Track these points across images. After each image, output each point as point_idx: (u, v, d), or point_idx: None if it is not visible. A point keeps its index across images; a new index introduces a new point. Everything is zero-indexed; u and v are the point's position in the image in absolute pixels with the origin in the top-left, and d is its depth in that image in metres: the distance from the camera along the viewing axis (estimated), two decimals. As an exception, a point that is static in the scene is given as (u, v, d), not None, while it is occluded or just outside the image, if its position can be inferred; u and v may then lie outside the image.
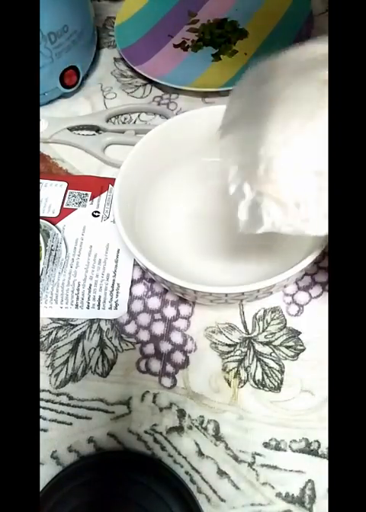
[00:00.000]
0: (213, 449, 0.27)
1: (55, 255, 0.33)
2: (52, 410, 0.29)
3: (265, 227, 0.19)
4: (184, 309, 0.32)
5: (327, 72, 0.17)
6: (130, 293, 0.32)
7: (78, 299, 0.32)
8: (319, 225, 0.18)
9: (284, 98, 0.18)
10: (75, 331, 0.31)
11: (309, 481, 0.26)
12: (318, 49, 0.19)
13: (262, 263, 0.30)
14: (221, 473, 0.27)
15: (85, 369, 0.30)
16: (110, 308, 0.32)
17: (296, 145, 0.18)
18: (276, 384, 0.29)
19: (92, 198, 0.36)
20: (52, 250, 0.33)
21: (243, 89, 0.21)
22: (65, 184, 0.37)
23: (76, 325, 0.32)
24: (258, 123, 0.19)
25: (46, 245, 0.33)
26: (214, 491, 0.26)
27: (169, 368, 0.30)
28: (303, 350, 0.30)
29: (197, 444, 0.27)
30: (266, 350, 0.30)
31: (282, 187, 0.18)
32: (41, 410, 0.29)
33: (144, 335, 0.31)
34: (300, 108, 0.18)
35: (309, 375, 0.29)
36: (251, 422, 0.28)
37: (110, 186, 0.37)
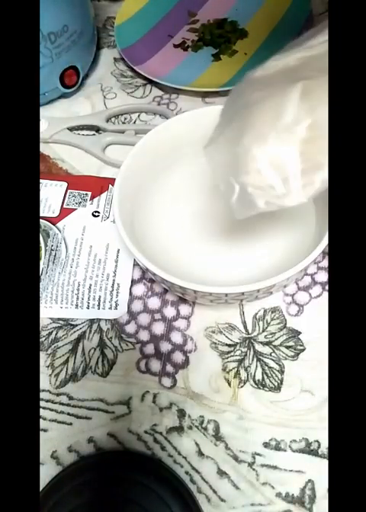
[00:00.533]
0: (213, 449, 0.27)
1: (55, 255, 0.33)
2: (52, 410, 0.29)
3: (257, 209, 0.22)
4: (184, 309, 0.32)
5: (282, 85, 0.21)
6: (130, 293, 0.32)
7: (78, 299, 0.32)
8: (298, 196, 0.21)
9: (252, 105, 0.22)
10: (75, 331, 0.31)
11: (309, 481, 0.26)
12: (276, 64, 0.23)
13: (262, 262, 0.30)
14: (221, 473, 0.27)
15: (85, 369, 0.30)
16: (110, 308, 0.32)
17: (266, 136, 0.21)
18: (276, 384, 0.29)
19: (92, 198, 0.36)
20: (52, 250, 0.33)
21: (225, 109, 0.25)
22: (65, 184, 0.37)
23: (76, 325, 0.32)
24: (234, 128, 0.23)
25: (46, 245, 0.33)
26: (214, 491, 0.26)
27: (169, 368, 0.30)
28: (303, 350, 0.30)
29: (197, 444, 0.27)
30: (266, 350, 0.30)
31: (260, 173, 0.21)
32: (41, 410, 0.29)
33: (144, 335, 0.31)
34: (265, 108, 0.21)
35: (309, 375, 0.29)
36: (251, 422, 0.28)
37: (110, 186, 0.37)
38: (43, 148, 0.41)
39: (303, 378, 0.29)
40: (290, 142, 0.20)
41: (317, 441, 0.27)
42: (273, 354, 0.30)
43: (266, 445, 0.27)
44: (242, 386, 0.29)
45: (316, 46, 0.21)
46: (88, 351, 0.31)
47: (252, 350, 0.30)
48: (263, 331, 0.31)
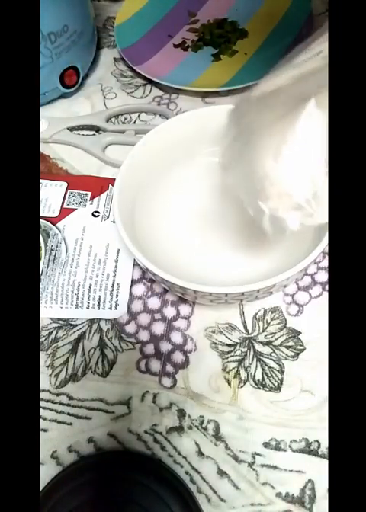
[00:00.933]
0: (213, 449, 0.27)
1: (55, 255, 0.33)
2: (52, 410, 0.29)
3: (291, 228, 0.23)
4: (184, 309, 0.32)
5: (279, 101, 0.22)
6: (130, 293, 0.32)
7: (78, 299, 0.32)
8: (325, 212, 0.21)
9: (259, 127, 0.23)
10: (75, 331, 0.31)
11: (309, 481, 0.26)
12: (270, 84, 0.24)
13: (262, 262, 0.30)
14: (221, 473, 0.27)
15: (85, 369, 0.30)
16: (110, 308, 0.32)
17: (282, 158, 0.21)
18: (276, 384, 0.29)
19: (92, 198, 0.36)
20: (52, 250, 0.33)
21: (230, 126, 0.26)
22: (65, 184, 0.37)
23: (76, 325, 0.32)
24: (249, 153, 0.23)
25: (46, 245, 0.33)
26: (214, 491, 0.26)
27: (169, 368, 0.30)
28: (303, 350, 0.30)
29: (197, 444, 0.27)
30: (266, 350, 0.30)
31: (281, 196, 0.22)
32: (41, 410, 0.29)
33: (144, 335, 0.31)
34: (274, 130, 0.22)
35: (309, 375, 0.29)
36: (251, 422, 0.28)
37: (110, 186, 0.37)
38: (43, 148, 0.41)
39: (303, 378, 0.29)
40: (311, 159, 0.21)
41: (317, 441, 0.27)
42: (273, 354, 0.30)
43: (266, 445, 0.27)
44: (242, 386, 0.29)
45: (304, 63, 0.22)
46: (88, 351, 0.31)
47: (252, 350, 0.30)
48: (263, 331, 0.31)
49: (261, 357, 0.30)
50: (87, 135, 0.42)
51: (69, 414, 0.29)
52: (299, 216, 0.22)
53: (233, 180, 0.25)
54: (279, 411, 0.28)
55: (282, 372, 0.29)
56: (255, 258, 0.30)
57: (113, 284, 0.32)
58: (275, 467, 0.27)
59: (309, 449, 0.27)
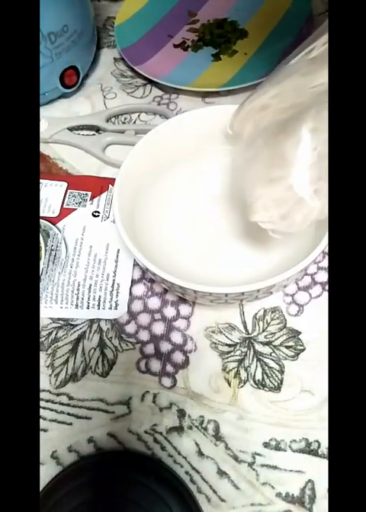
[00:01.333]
0: (213, 449, 0.27)
1: (55, 255, 0.33)
2: (52, 410, 0.29)
3: (298, 230, 0.25)
4: (184, 309, 0.32)
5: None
6: (130, 293, 0.32)
7: (78, 299, 0.32)
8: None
9: (264, 145, 0.25)
10: (75, 331, 0.31)
11: (309, 481, 0.26)
12: (254, 103, 0.26)
13: (262, 263, 0.30)
14: (221, 473, 0.27)
15: (85, 369, 0.30)
16: (110, 308, 0.32)
17: (272, 179, 0.24)
18: (276, 384, 0.29)
19: (92, 198, 0.36)
20: (52, 250, 0.33)
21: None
22: (65, 184, 0.37)
23: (76, 325, 0.32)
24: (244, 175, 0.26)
25: (46, 245, 0.33)
26: (214, 491, 0.26)
27: (169, 368, 0.30)
28: (303, 350, 0.30)
29: (197, 444, 0.27)
30: (266, 350, 0.30)
31: (281, 205, 0.24)
32: (41, 410, 0.29)
33: (144, 335, 0.31)
34: (261, 155, 0.25)
35: (309, 375, 0.29)
36: (251, 422, 0.28)
37: (110, 186, 0.37)
38: (43, 148, 0.41)
39: (303, 378, 0.29)
40: (312, 165, 0.23)
41: (317, 441, 0.27)
42: (273, 354, 0.30)
43: (266, 445, 0.27)
44: (242, 386, 0.29)
45: (278, 84, 0.25)
46: (88, 351, 0.31)
47: (252, 350, 0.30)
48: (263, 331, 0.31)
49: (261, 357, 0.30)
50: (87, 135, 0.42)
51: (69, 414, 0.29)
52: (299, 217, 0.23)
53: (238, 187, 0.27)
54: (279, 411, 0.28)
55: (282, 372, 0.29)
56: (255, 258, 0.30)
57: (113, 284, 0.32)
58: (275, 467, 0.27)
59: (309, 449, 0.27)
